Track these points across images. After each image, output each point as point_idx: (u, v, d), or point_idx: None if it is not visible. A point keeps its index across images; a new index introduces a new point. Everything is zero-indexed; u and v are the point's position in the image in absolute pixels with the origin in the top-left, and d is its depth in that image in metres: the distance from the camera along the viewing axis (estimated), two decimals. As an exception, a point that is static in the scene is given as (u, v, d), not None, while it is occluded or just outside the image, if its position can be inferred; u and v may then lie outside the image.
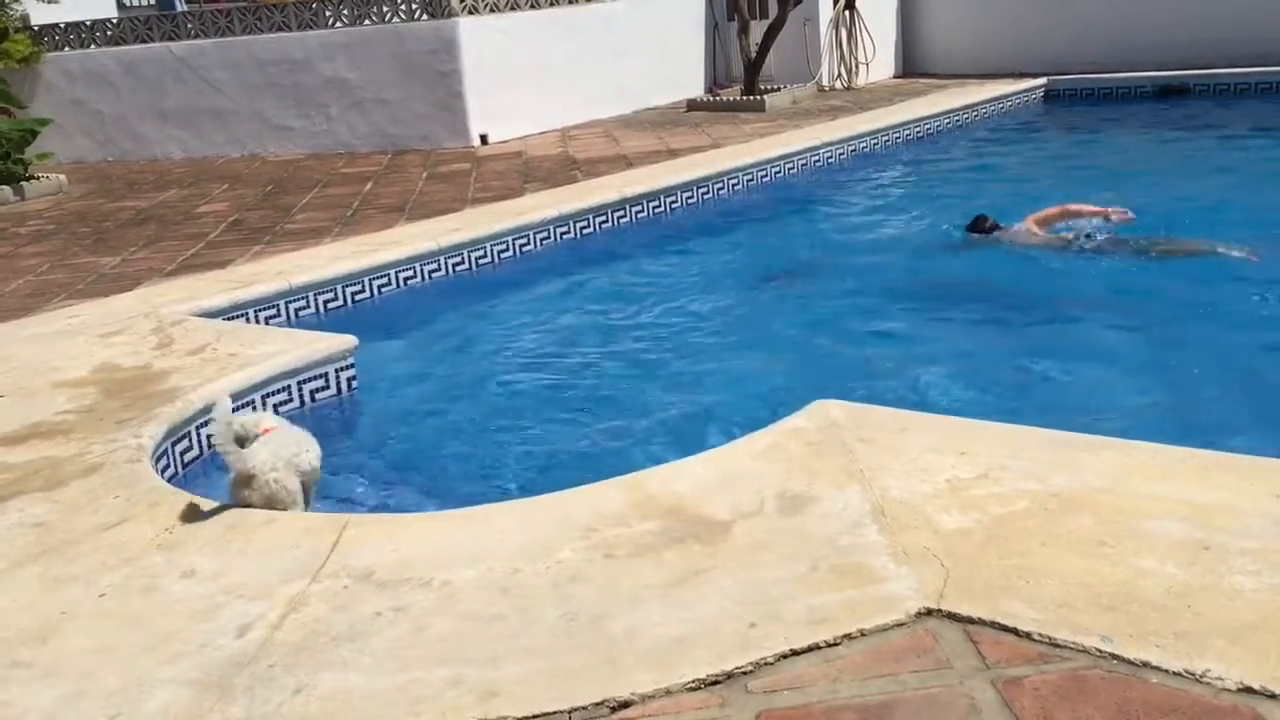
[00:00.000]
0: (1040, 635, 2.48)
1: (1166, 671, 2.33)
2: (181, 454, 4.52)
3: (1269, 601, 2.52)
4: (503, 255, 7.69)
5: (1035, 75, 14.04)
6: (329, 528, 3.37)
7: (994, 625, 2.53)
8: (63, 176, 11.98)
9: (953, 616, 2.58)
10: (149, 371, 5.02)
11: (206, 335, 5.50)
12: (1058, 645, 2.44)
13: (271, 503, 3.59)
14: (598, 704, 2.40)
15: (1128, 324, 5.84)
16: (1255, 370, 5.12)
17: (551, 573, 2.95)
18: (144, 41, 13.94)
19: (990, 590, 2.66)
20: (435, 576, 2.99)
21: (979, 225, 7.64)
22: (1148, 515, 2.95)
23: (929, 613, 2.60)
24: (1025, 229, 7.50)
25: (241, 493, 3.61)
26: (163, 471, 4.18)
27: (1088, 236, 7.29)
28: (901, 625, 2.57)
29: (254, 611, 2.90)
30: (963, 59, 15.55)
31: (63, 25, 14.40)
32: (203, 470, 4.56)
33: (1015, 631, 2.50)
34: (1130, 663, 2.36)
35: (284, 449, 3.68)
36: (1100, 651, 2.40)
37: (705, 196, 9.19)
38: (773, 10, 14.36)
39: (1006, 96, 13.24)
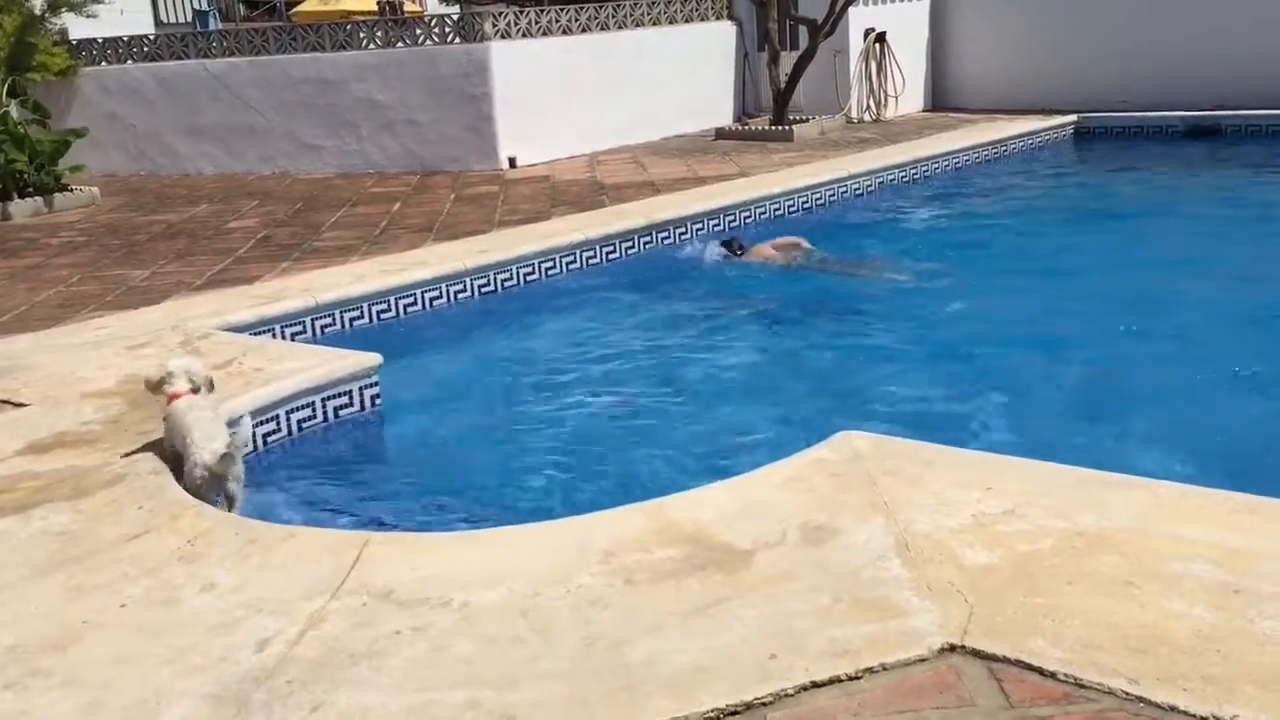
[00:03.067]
0: (1066, 675, 2.45)
1: (1194, 716, 2.29)
2: (205, 467, 4.52)
3: (1299, 648, 2.48)
4: (528, 278, 7.71)
5: (1065, 112, 14.01)
6: (350, 545, 3.37)
7: (1018, 664, 2.50)
8: (95, 189, 12.09)
9: (977, 653, 2.55)
10: (175, 384, 5.04)
11: (232, 350, 5.53)
12: (1083, 686, 2.41)
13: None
14: (616, 731, 2.39)
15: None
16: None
17: (571, 597, 2.94)
18: (180, 58, 14.08)
19: (1015, 628, 2.63)
20: (455, 597, 2.98)
21: (729, 247, 8.47)
22: (1176, 556, 2.91)
23: (952, 649, 2.57)
24: (766, 251, 8.42)
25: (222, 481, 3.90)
26: (186, 484, 4.19)
27: (811, 257, 8.39)
28: (924, 660, 2.55)
29: (273, 627, 2.89)
30: (993, 94, 15.52)
31: (100, 40, 14.57)
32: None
33: (1040, 671, 2.47)
34: (1157, 706, 2.33)
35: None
36: (1127, 694, 2.37)
37: (732, 225, 9.19)
38: (803, 41, 14.39)
39: (1036, 133, 13.21)
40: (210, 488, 3.86)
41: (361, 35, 13.19)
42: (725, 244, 8.55)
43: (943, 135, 12.94)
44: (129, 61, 14.43)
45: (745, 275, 8.17)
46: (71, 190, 11.79)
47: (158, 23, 20.32)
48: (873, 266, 8.33)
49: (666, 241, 8.65)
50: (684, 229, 8.77)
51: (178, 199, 12.01)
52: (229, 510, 3.87)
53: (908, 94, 15.57)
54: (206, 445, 3.88)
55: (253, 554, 3.35)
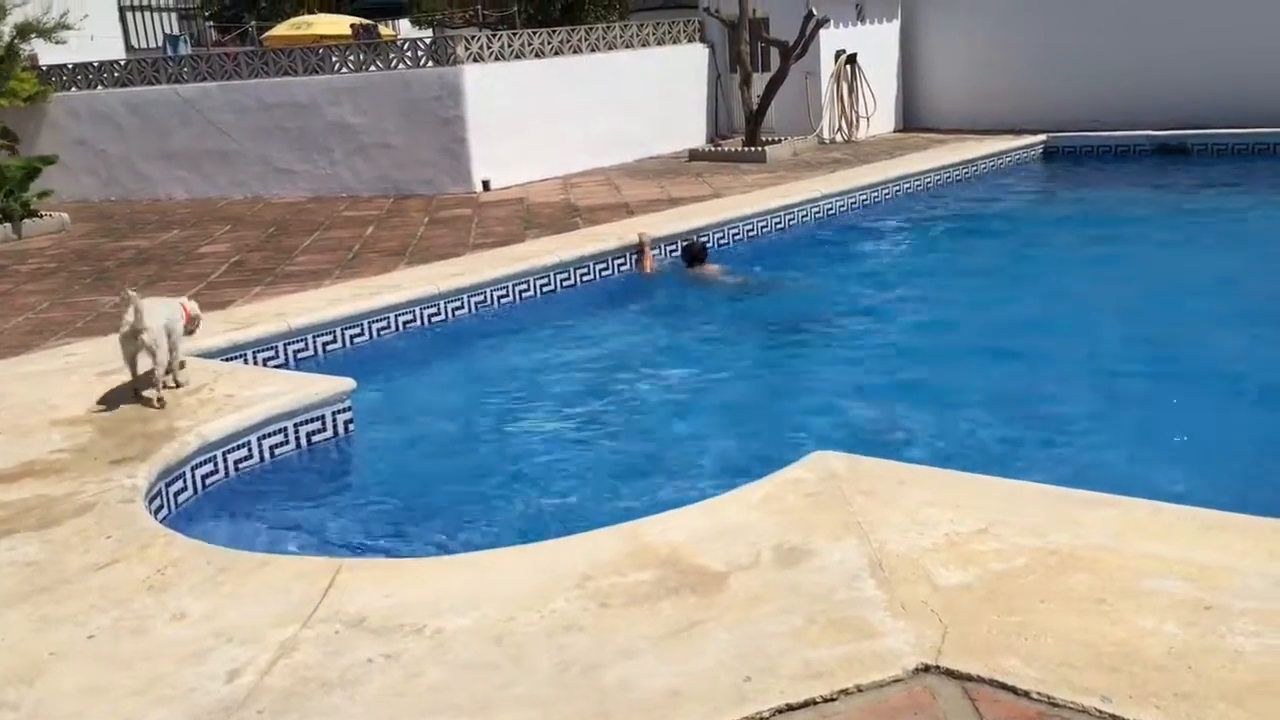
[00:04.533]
0: (1039, 694, 2.45)
1: (1167, 733, 2.30)
2: (175, 495, 4.49)
3: (1270, 664, 2.50)
4: (503, 300, 7.70)
5: (1035, 132, 14.14)
6: (322, 572, 3.34)
7: (992, 683, 2.50)
8: (65, 215, 12.02)
9: (951, 673, 2.55)
10: (145, 411, 5.00)
11: (204, 376, 5.49)
12: (1057, 704, 2.42)
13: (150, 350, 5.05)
14: (590, 757, 2.37)
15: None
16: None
17: (546, 621, 2.92)
18: (151, 83, 14.04)
19: (989, 647, 2.63)
20: (428, 623, 2.96)
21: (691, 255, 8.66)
22: (1148, 574, 2.92)
23: (927, 669, 2.57)
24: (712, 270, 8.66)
25: (130, 345, 5.07)
26: (156, 512, 4.15)
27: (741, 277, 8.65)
28: (899, 681, 2.55)
29: (244, 656, 2.86)
30: (963, 114, 15.66)
31: (70, 66, 14.51)
32: (197, 511, 4.54)
33: (1014, 690, 2.47)
34: (1130, 724, 2.34)
35: (161, 317, 5.17)
36: (1100, 712, 2.37)
37: (705, 246, 9.20)
38: (775, 63, 14.48)
39: (1006, 152, 13.32)
40: (129, 343, 5.06)
41: (334, 59, 13.19)
42: (687, 249, 8.64)
43: (913, 156, 13.03)
44: (99, 86, 14.37)
45: (712, 295, 8.22)
46: (41, 216, 11.71)
47: (129, 48, 20.27)
48: (794, 283, 8.61)
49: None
50: (658, 250, 8.79)
51: (149, 224, 11.95)
52: (154, 375, 5.08)
53: (879, 115, 15.70)
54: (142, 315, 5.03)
55: (224, 582, 3.32)
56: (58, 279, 9.02)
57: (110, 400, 5.17)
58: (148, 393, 5.09)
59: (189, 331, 5.63)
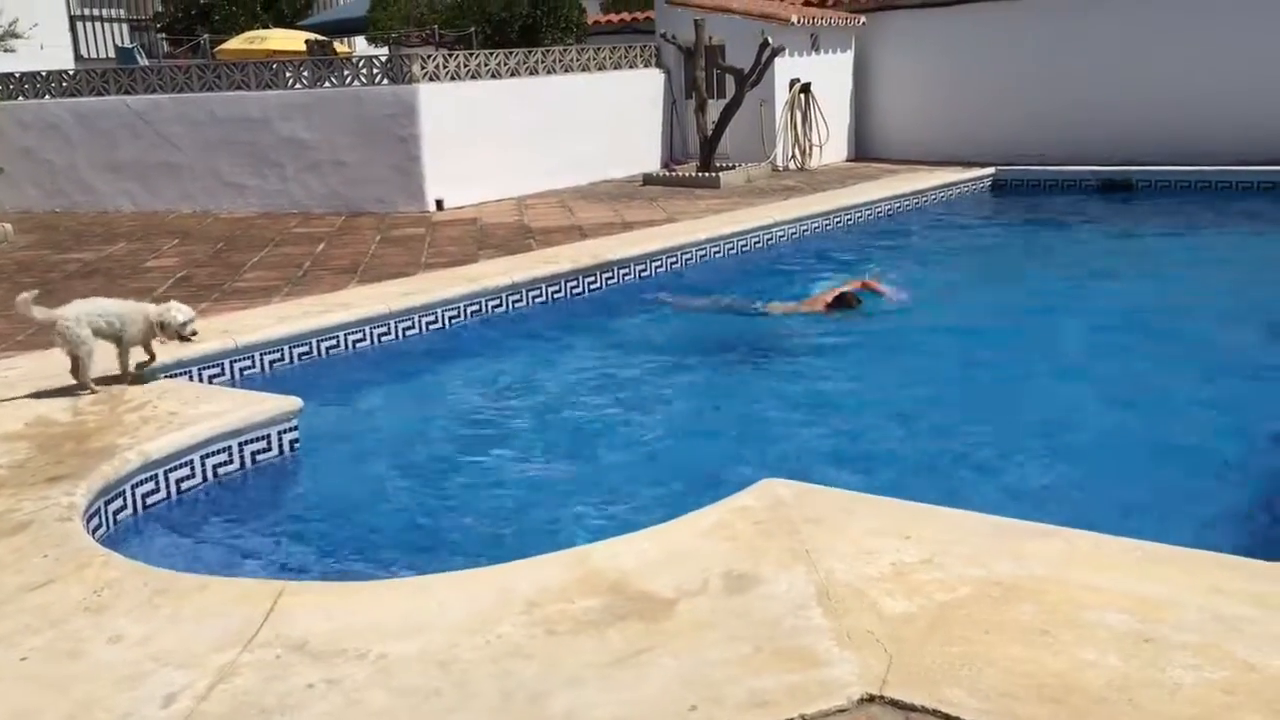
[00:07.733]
0: (982, 725, 2.46)
1: (1107, 765, 2.32)
2: (114, 513, 4.42)
3: (1207, 696, 2.53)
4: (454, 321, 7.66)
5: (985, 164, 14.35)
6: (263, 594, 3.29)
7: (935, 714, 2.52)
8: (9, 225, 11.81)
9: (895, 704, 2.56)
10: (85, 427, 4.92)
11: (147, 393, 5.41)
12: (999, 736, 2.43)
13: (70, 345, 5.37)
14: (533, 786, 2.35)
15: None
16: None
17: (491, 648, 2.90)
18: (100, 94, 13.87)
19: (933, 677, 2.64)
20: (371, 648, 2.93)
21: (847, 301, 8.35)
22: (1090, 605, 2.96)
23: (871, 699, 2.58)
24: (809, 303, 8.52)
25: (54, 337, 5.42)
26: (94, 531, 4.08)
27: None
28: (844, 711, 2.55)
29: (181, 680, 2.81)
30: (914, 145, 15.86)
31: (18, 74, 14.30)
32: (137, 531, 4.46)
33: (957, 720, 2.49)
34: (1071, 756, 2.35)
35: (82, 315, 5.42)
36: (1041, 743, 2.39)
37: (659, 270, 9.24)
38: (730, 90, 14.59)
39: (956, 184, 13.50)
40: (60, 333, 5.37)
41: (288, 74, 13.10)
42: (842, 298, 8.40)
43: (865, 185, 13.17)
44: (47, 96, 14.17)
45: (663, 319, 8.25)
46: (-16, 226, 11.50)
47: (78, 58, 20.01)
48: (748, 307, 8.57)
49: (592, 286, 8.67)
50: (610, 274, 8.80)
51: (94, 237, 11.78)
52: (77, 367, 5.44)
53: (832, 144, 15.85)
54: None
55: (162, 605, 3.26)
56: (-1, 290, 8.87)
57: (47, 410, 5.10)
58: (81, 390, 5.42)
59: (177, 336, 5.70)
